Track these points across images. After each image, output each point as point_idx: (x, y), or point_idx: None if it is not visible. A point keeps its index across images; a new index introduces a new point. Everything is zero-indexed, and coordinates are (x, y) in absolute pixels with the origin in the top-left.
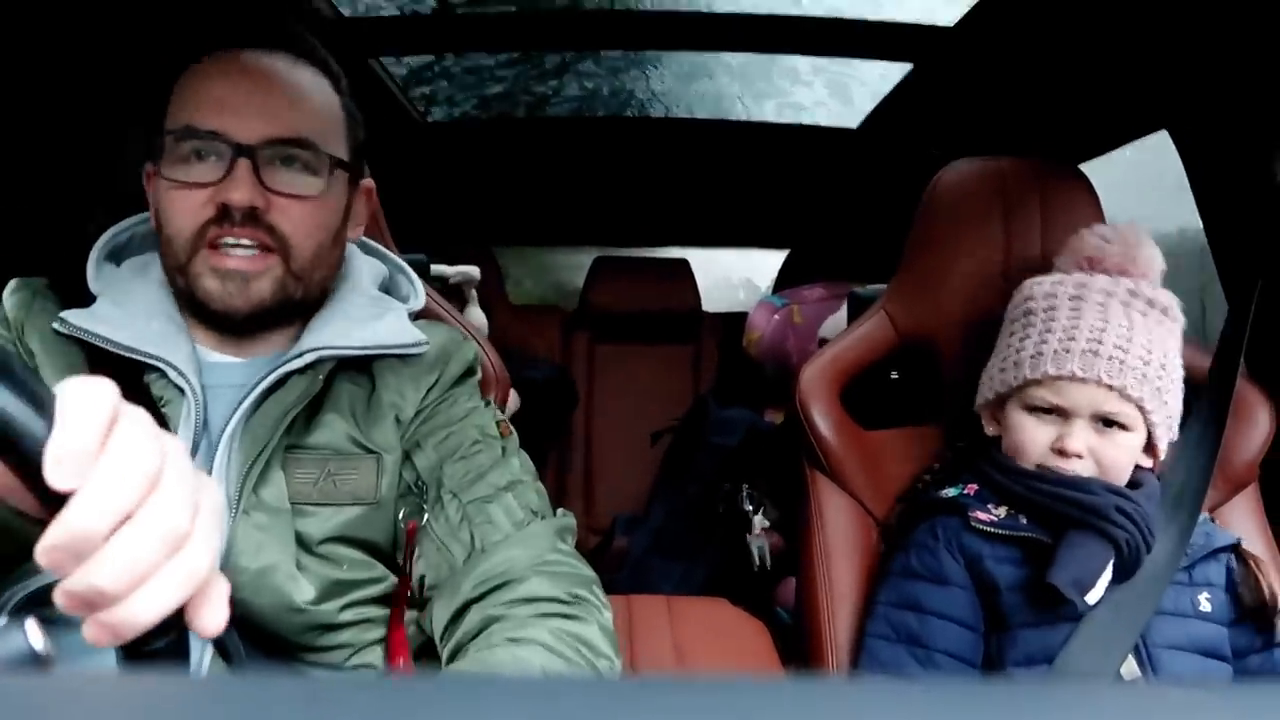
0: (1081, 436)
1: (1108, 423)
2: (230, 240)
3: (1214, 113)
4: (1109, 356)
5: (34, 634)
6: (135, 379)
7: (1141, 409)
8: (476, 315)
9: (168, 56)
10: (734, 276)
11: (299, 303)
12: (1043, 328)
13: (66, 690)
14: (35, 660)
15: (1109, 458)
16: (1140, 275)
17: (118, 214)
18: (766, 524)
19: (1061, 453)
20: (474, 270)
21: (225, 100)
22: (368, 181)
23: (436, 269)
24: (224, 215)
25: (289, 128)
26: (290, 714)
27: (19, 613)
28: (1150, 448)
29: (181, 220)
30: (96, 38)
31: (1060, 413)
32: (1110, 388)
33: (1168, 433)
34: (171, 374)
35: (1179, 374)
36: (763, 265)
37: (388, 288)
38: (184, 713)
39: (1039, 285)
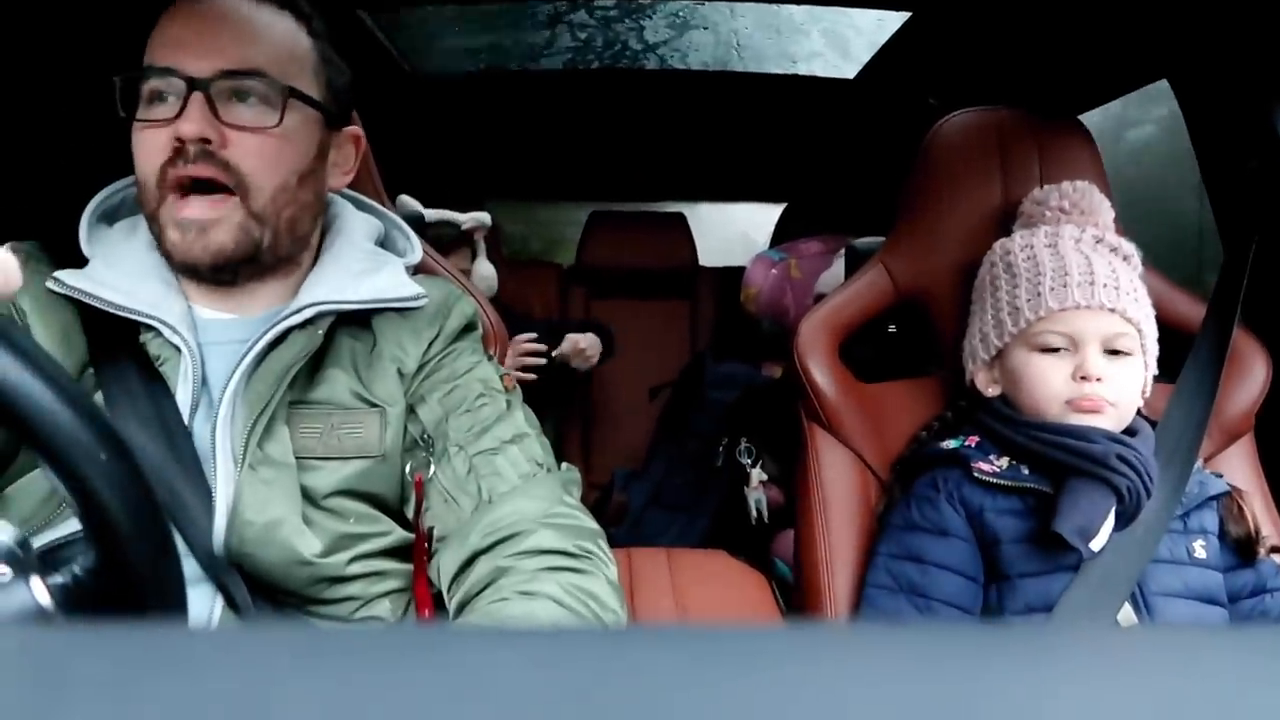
0: (1097, 359)
1: (1113, 353)
2: (187, 180)
3: (1215, 62)
4: (1103, 284)
5: (39, 590)
6: (131, 338)
7: (1139, 331)
8: (485, 268)
9: (144, 8)
10: (752, 234)
11: (270, 250)
12: (1030, 273)
13: (73, 643)
14: (41, 615)
15: (1122, 383)
16: (1102, 226)
17: (108, 176)
18: (764, 477)
19: (1084, 378)
20: (485, 216)
21: (180, 38)
22: (354, 129)
23: (448, 215)
24: (180, 152)
25: (241, 60)
26: (300, 664)
27: (25, 569)
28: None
29: (146, 163)
30: None
31: (1070, 346)
32: (1113, 311)
33: (1153, 364)
34: (166, 332)
35: (1153, 311)
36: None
37: (384, 244)
38: (193, 664)
39: (1011, 241)
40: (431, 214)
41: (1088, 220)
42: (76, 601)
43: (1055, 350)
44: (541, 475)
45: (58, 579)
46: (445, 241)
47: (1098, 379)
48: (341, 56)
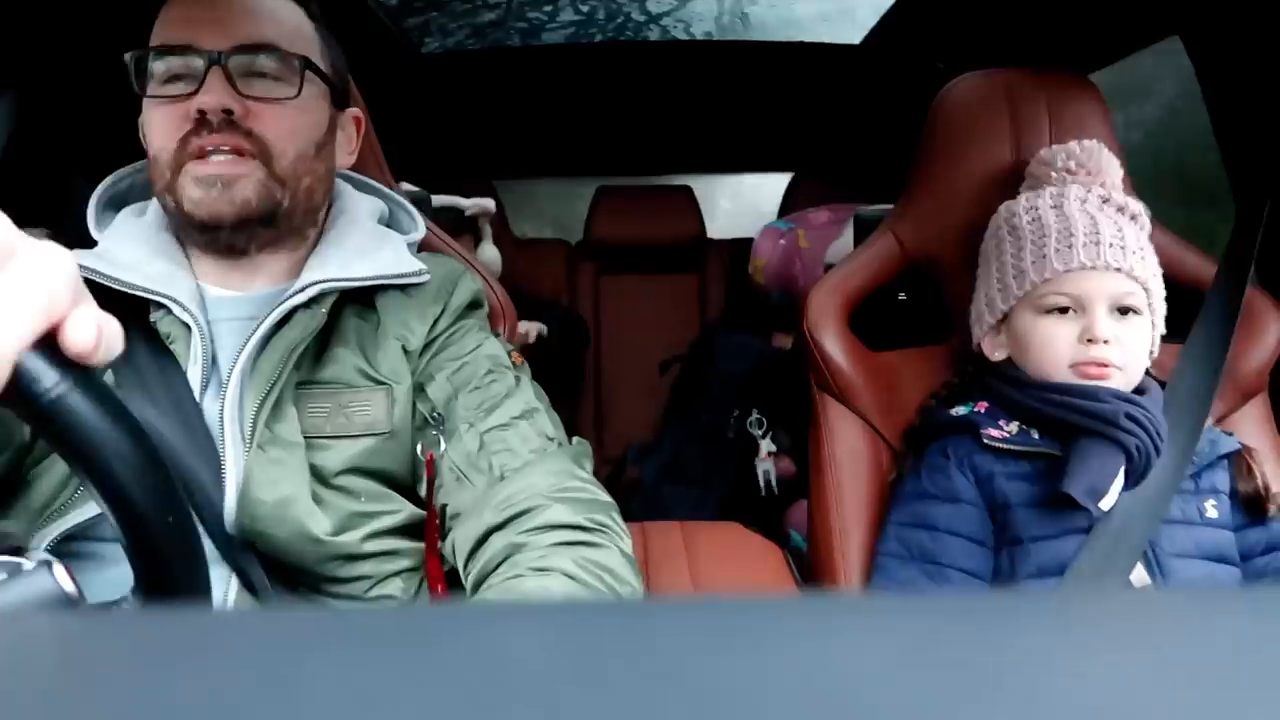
0: (1105, 321)
1: (1121, 311)
2: (210, 147)
3: (1228, 18)
4: (1109, 244)
5: (62, 576)
6: (141, 318)
7: (1147, 289)
8: (490, 251)
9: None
10: (764, 206)
11: (287, 216)
12: (1035, 235)
13: (95, 627)
14: (64, 601)
15: (1131, 344)
16: (1109, 186)
17: (112, 164)
18: (773, 449)
19: (1092, 340)
20: (489, 202)
21: (192, 16)
22: (355, 111)
23: (452, 200)
24: (202, 123)
25: (256, 34)
26: (323, 645)
27: (52, 552)
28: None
29: (164, 136)
30: None
31: (1076, 308)
32: (1119, 270)
33: (1161, 323)
34: (176, 310)
35: (1160, 270)
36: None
37: (388, 223)
38: (211, 645)
39: (1015, 204)
40: (435, 200)
41: (1094, 180)
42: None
43: (1062, 312)
44: (553, 450)
45: (79, 564)
46: (449, 227)
47: (1105, 341)
48: (346, 37)
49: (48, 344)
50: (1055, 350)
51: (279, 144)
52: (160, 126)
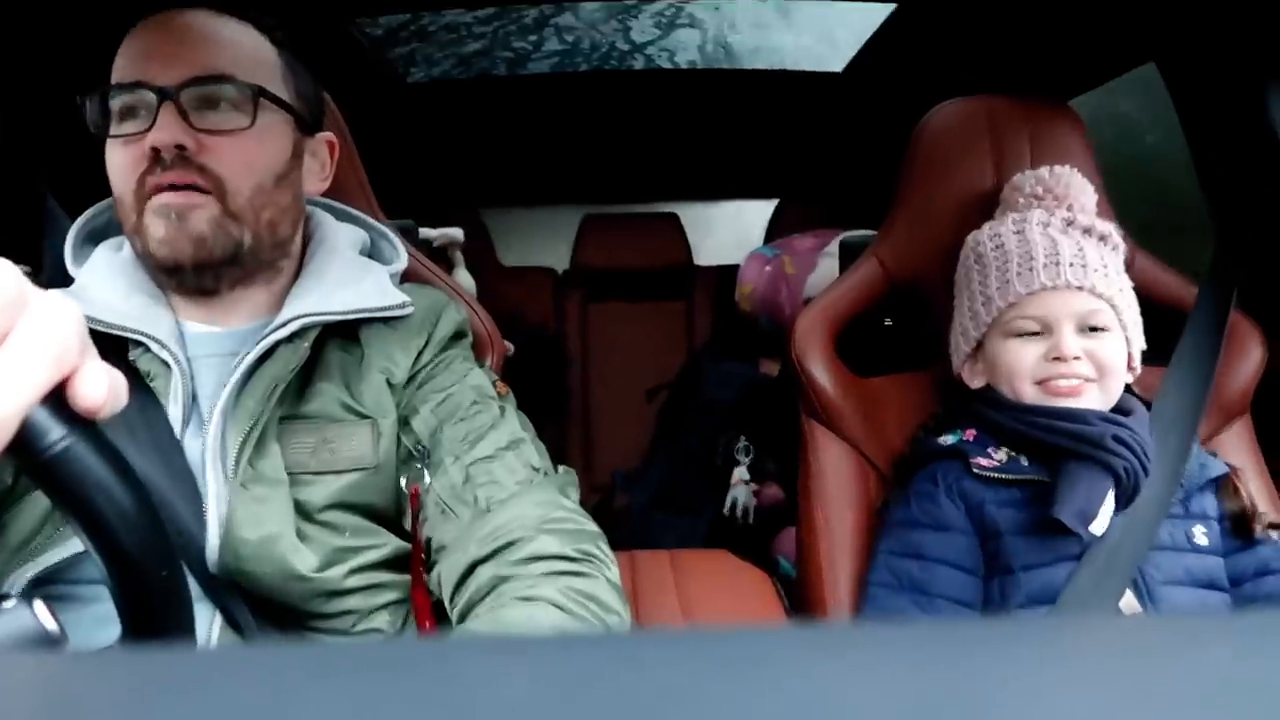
0: (1072, 340)
1: (1090, 329)
2: (165, 184)
3: (1203, 45)
4: (1069, 264)
5: (43, 614)
6: (120, 355)
7: (1114, 307)
8: (464, 278)
9: (109, 29)
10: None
11: (252, 253)
12: (999, 261)
13: (77, 666)
14: (46, 639)
15: (1104, 355)
16: (1077, 209)
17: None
18: (746, 476)
19: (1058, 359)
20: (457, 232)
21: (145, 51)
22: (327, 135)
23: (420, 232)
24: (156, 160)
25: (209, 66)
26: (302, 682)
27: (27, 593)
28: (1128, 360)
29: (123, 177)
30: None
31: (1044, 329)
32: (1080, 288)
33: (1139, 338)
34: (154, 347)
35: (1131, 287)
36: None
37: (370, 253)
38: (195, 684)
39: (980, 233)
40: None
41: (1062, 204)
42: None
43: (1032, 335)
44: (539, 480)
45: (60, 602)
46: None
47: (1075, 358)
48: (332, 66)
49: (54, 396)
50: (1021, 367)
51: (234, 179)
52: (119, 168)
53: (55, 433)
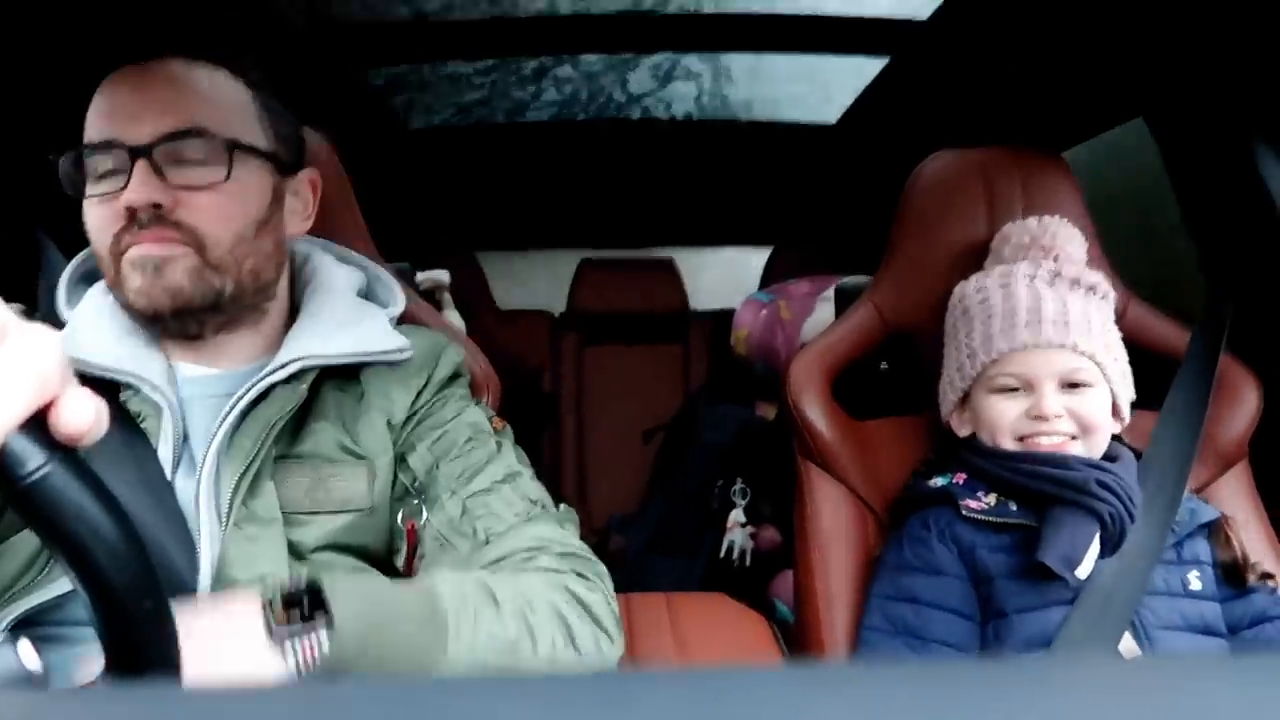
0: (1053, 399)
1: (1072, 386)
2: (140, 243)
3: (1191, 99)
4: (1052, 321)
5: (27, 653)
6: (112, 398)
7: (1097, 363)
8: (453, 318)
9: (81, 83)
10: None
11: (234, 300)
12: (983, 316)
13: (62, 706)
14: (29, 679)
15: (1086, 412)
16: (1064, 259)
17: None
18: (743, 519)
19: (1039, 418)
20: (443, 274)
21: (116, 108)
22: (310, 174)
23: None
24: (132, 220)
25: (181, 120)
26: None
27: (11, 633)
28: (1115, 410)
29: (100, 236)
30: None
31: (1026, 387)
32: (1062, 346)
33: (1126, 390)
34: (146, 389)
35: (1119, 338)
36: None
37: (366, 295)
38: None
39: (967, 285)
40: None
41: (1049, 255)
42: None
43: (1013, 390)
44: (537, 513)
45: (44, 642)
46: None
47: (1056, 416)
48: (333, 112)
49: (35, 424)
50: (1002, 423)
51: (212, 233)
52: (96, 227)
53: (35, 460)
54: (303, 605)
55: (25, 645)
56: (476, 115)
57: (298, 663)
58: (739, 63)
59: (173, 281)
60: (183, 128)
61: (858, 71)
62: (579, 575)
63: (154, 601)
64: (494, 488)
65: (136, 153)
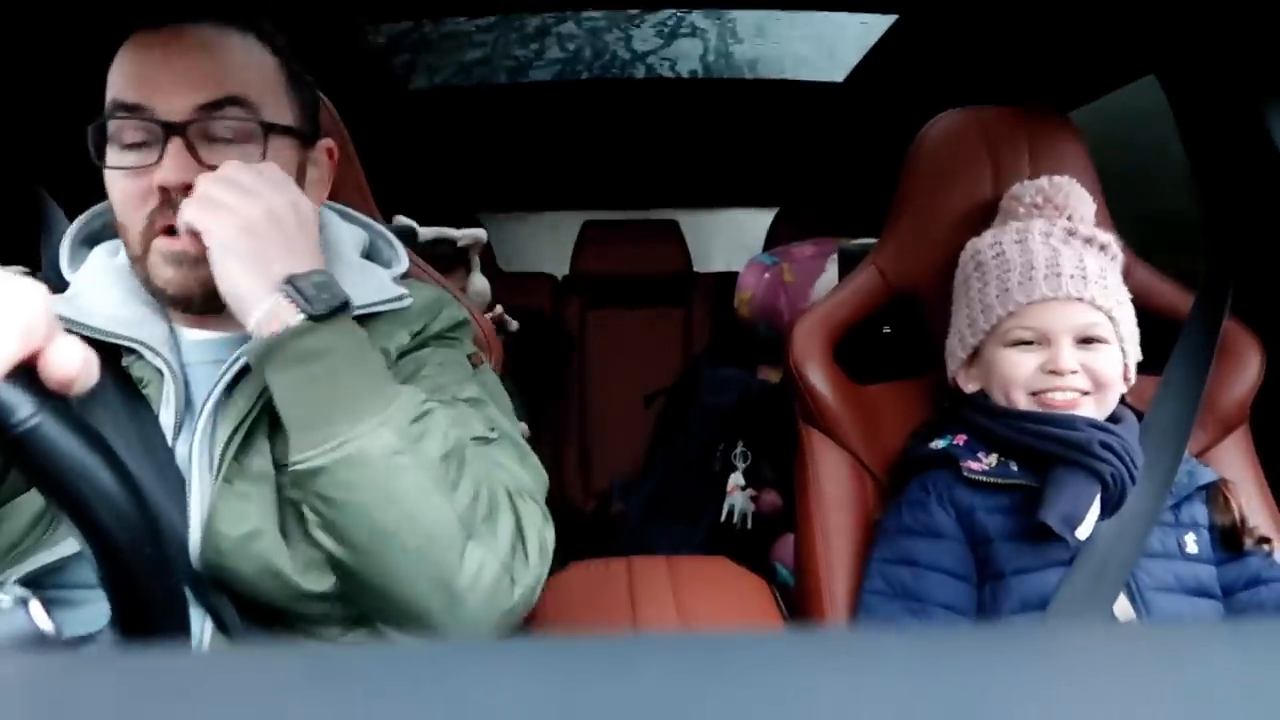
0: (1069, 354)
1: (1087, 341)
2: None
3: (1203, 57)
4: (1070, 275)
5: (38, 614)
6: (113, 362)
7: (1112, 319)
8: (480, 282)
9: (100, 42)
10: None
11: None
12: (999, 270)
13: (72, 667)
14: (40, 640)
15: (1099, 368)
16: (1076, 218)
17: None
18: (742, 483)
19: (1054, 372)
20: (481, 233)
21: (147, 75)
22: (327, 142)
23: (443, 232)
24: (166, 200)
25: (216, 90)
26: (293, 684)
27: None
28: (1123, 369)
29: (130, 212)
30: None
31: (1041, 341)
32: (1080, 300)
33: (1134, 350)
34: (148, 354)
35: (1129, 298)
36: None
37: (369, 253)
38: (195, 687)
39: (981, 240)
40: (427, 232)
41: (1061, 214)
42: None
43: (1028, 344)
44: (495, 438)
45: (53, 603)
46: (442, 258)
47: (1072, 371)
48: (335, 73)
49: (22, 374)
50: (1017, 377)
51: None
52: (123, 200)
53: (26, 409)
54: (330, 293)
55: (37, 606)
56: (478, 75)
57: (268, 309)
58: (745, 20)
59: (206, 274)
60: (220, 97)
61: (865, 29)
62: (522, 499)
63: (155, 549)
64: (453, 403)
65: (171, 129)
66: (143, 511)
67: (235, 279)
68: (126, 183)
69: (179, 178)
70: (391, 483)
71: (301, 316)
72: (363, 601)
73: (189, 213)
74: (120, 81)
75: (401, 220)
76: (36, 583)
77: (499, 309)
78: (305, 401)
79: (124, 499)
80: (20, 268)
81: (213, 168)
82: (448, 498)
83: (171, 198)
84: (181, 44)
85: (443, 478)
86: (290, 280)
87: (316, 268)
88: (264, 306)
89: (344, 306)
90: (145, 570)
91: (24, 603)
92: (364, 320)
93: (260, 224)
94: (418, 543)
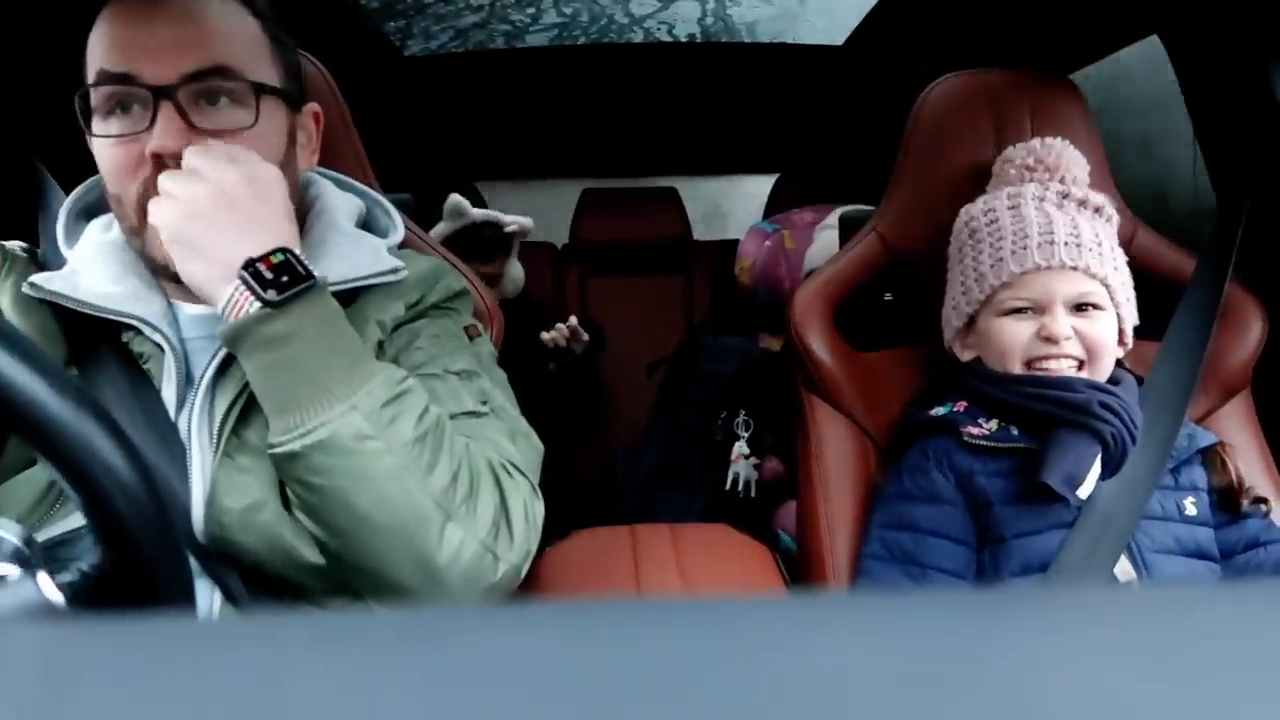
0: (1064, 321)
1: (1081, 307)
2: None
3: (1207, 17)
4: (1064, 243)
5: (47, 585)
6: (113, 338)
7: (1107, 286)
8: (517, 269)
9: (82, 9)
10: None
11: None
12: (993, 239)
13: (83, 637)
14: (48, 610)
15: (1094, 334)
16: (1069, 180)
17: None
18: (746, 451)
19: (1049, 339)
20: (529, 221)
21: (135, 40)
22: (312, 107)
23: (493, 215)
24: (159, 167)
25: (206, 58)
26: (312, 652)
27: (30, 564)
28: (1119, 335)
29: (121, 180)
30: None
31: (1035, 309)
32: (1075, 268)
33: (1131, 314)
34: (147, 330)
35: (1125, 261)
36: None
37: (366, 223)
38: (204, 655)
39: (974, 207)
40: (478, 213)
41: (1054, 176)
42: (85, 598)
43: (1022, 312)
44: (486, 412)
45: (65, 577)
46: (487, 240)
47: (1066, 338)
48: (329, 39)
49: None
50: (1012, 345)
51: None
52: (115, 170)
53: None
54: (293, 273)
55: (44, 578)
56: (474, 40)
57: (230, 296)
58: None
59: None
60: (209, 65)
61: None
62: (509, 474)
63: (161, 522)
64: (444, 375)
65: (160, 93)
66: (149, 485)
67: (191, 269)
68: (117, 151)
69: (174, 143)
70: (363, 467)
71: (258, 305)
72: (349, 579)
73: (152, 210)
74: (103, 49)
75: (458, 201)
76: (51, 551)
77: (573, 320)
78: (275, 387)
79: (129, 472)
80: (21, 244)
81: (204, 131)
82: (422, 480)
83: (164, 164)
84: (160, 7)
85: (417, 459)
86: (248, 265)
87: (279, 244)
88: (225, 293)
89: (308, 287)
90: (151, 544)
91: (33, 574)
92: (357, 292)
93: (205, 208)
94: (393, 524)
